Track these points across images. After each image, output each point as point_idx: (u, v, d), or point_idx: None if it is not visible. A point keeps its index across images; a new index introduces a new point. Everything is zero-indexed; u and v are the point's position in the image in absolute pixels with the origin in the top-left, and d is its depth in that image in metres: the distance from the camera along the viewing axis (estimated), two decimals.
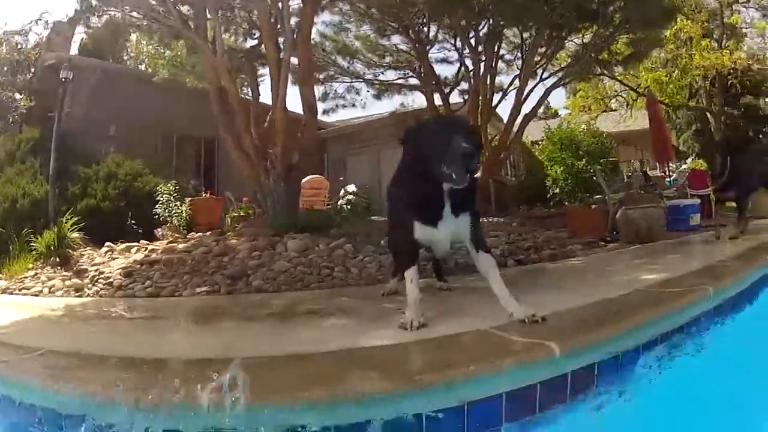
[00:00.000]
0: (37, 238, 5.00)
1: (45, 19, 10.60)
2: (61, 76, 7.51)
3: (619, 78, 13.47)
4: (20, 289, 4.13)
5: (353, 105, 10.03)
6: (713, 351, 1.96)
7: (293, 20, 6.05)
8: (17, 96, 9.64)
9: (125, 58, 12.72)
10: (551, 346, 1.48)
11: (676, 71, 14.51)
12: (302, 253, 4.32)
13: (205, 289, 3.62)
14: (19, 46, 10.54)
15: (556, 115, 23.53)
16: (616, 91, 16.22)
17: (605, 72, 10.38)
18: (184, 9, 6.64)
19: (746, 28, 16.42)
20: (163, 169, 8.70)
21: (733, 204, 5.21)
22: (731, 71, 14.67)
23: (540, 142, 11.48)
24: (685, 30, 13.68)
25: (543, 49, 7.94)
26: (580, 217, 6.07)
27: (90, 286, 3.95)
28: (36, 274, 4.55)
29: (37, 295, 3.91)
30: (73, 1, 7.47)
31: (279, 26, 5.97)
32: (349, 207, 5.76)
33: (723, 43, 15.09)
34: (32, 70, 10.06)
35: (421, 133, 2.01)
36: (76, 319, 2.93)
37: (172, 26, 6.41)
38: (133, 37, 9.64)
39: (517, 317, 1.84)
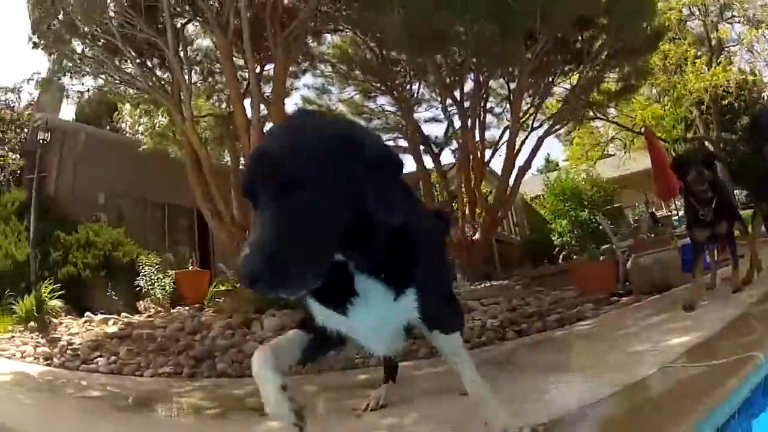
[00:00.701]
0: (18, 302, 5.10)
1: (36, 79, 10.62)
2: (38, 138, 7.45)
3: (613, 120, 13.26)
4: None
5: None
6: None
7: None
8: (10, 155, 9.59)
9: (122, 125, 12.48)
10: None
11: (669, 103, 14.22)
12: (278, 332, 3.98)
13: (167, 369, 3.43)
14: (11, 105, 10.60)
15: (556, 167, 23.19)
16: (612, 134, 15.95)
17: (598, 114, 10.23)
18: (164, 75, 6.65)
19: (734, 45, 16.36)
20: (155, 239, 8.44)
21: None
22: (726, 91, 14.57)
23: (541, 197, 11.02)
24: (671, 54, 13.55)
25: (531, 98, 7.84)
26: (586, 272, 5.46)
27: (59, 355, 3.91)
28: (12, 337, 4.63)
29: (10, 358, 3.91)
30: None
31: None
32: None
33: (714, 63, 14.95)
34: (25, 129, 10.06)
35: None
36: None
37: (145, 90, 6.36)
38: (127, 106, 9.51)
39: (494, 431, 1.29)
